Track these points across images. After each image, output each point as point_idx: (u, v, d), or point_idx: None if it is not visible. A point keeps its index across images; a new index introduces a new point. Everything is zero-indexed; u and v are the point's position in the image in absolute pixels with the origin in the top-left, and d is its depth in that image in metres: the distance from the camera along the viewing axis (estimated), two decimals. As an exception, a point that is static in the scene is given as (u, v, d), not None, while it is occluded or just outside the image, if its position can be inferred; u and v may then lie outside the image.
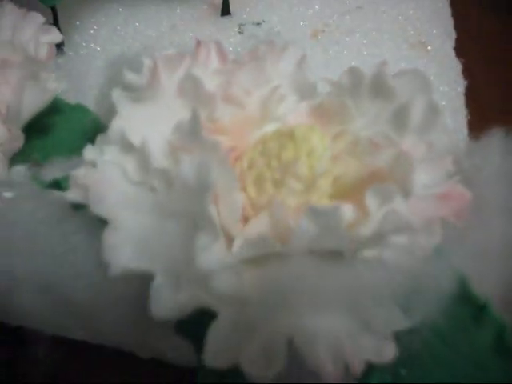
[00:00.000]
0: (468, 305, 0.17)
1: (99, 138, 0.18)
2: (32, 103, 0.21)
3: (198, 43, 0.20)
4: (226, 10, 0.35)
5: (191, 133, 0.16)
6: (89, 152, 0.17)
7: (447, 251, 0.18)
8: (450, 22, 0.34)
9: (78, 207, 0.17)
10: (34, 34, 0.25)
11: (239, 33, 0.33)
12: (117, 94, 0.18)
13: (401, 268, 0.17)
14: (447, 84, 0.29)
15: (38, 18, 0.25)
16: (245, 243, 0.15)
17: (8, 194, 0.17)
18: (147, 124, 0.18)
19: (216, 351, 0.14)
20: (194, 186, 0.15)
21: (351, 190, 0.18)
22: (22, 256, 0.18)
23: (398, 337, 0.15)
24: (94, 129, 0.23)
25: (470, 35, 0.34)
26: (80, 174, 0.17)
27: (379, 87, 0.19)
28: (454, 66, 0.30)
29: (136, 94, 0.18)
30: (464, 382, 0.17)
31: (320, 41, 0.32)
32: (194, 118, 0.16)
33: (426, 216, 0.17)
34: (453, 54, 0.31)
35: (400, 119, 0.18)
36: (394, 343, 0.15)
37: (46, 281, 0.17)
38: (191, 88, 0.18)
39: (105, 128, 0.18)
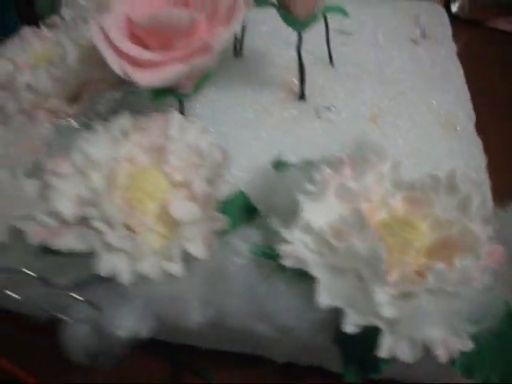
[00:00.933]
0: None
1: (294, 223, 0.30)
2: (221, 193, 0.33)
3: (343, 160, 0.31)
4: (302, 96, 0.47)
5: (358, 225, 0.28)
6: (286, 233, 0.29)
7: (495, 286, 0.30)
8: (470, 106, 0.46)
9: (283, 268, 0.29)
10: (200, 136, 0.36)
11: (318, 117, 0.45)
12: (302, 198, 0.30)
13: (470, 298, 0.29)
14: (473, 159, 0.41)
15: (198, 123, 0.37)
16: (400, 287, 0.27)
17: (240, 261, 0.29)
18: (320, 215, 0.30)
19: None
20: (367, 257, 0.27)
21: (438, 252, 0.30)
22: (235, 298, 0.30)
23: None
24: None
25: (487, 115, 0.46)
26: (288, 248, 0.29)
27: (450, 185, 0.31)
28: (477, 144, 0.43)
29: (313, 196, 0.30)
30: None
31: (378, 124, 0.44)
32: (360, 216, 0.28)
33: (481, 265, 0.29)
34: (475, 133, 0.44)
35: (464, 206, 0.31)
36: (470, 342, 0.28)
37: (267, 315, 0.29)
38: (345, 194, 0.30)
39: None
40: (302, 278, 0.29)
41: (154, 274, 0.30)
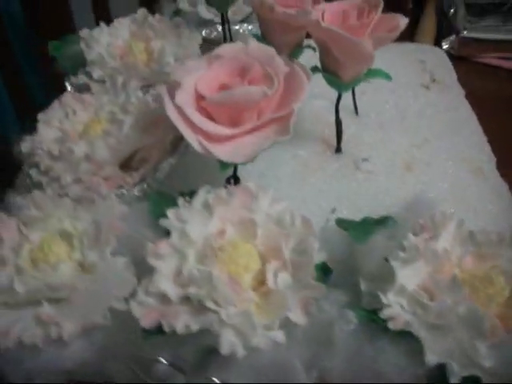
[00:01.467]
0: None
1: (389, 287, 0.32)
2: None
3: (424, 225, 0.34)
4: (339, 149, 0.50)
5: (452, 286, 0.31)
6: (384, 297, 0.32)
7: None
8: (489, 148, 0.51)
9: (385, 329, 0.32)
10: (275, 204, 0.38)
11: (357, 169, 0.48)
12: (395, 264, 0.32)
13: None
14: (502, 202, 0.46)
15: (270, 192, 0.39)
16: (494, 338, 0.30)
17: (347, 327, 0.32)
18: (411, 277, 0.33)
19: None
20: (465, 316, 0.30)
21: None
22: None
23: None
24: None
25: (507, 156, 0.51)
26: (391, 312, 0.31)
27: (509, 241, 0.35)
28: (502, 185, 0.47)
29: (404, 261, 0.33)
30: None
31: (414, 173, 0.48)
32: (455, 280, 0.31)
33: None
34: (498, 174, 0.48)
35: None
36: None
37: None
38: (432, 256, 0.33)
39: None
40: (403, 336, 0.32)
41: (261, 344, 0.32)
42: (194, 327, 0.31)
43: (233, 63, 0.40)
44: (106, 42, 0.56)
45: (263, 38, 0.49)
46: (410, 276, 0.33)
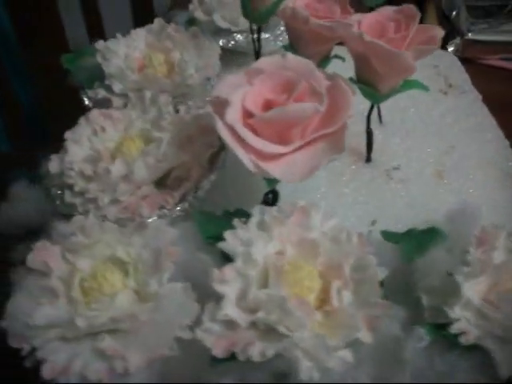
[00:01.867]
0: None
1: (454, 301, 0.33)
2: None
3: (481, 238, 0.35)
4: (369, 158, 0.50)
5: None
6: (451, 312, 0.32)
7: None
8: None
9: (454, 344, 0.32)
10: (328, 221, 0.38)
11: (390, 179, 0.48)
12: (460, 279, 0.33)
13: None
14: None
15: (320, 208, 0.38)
16: None
17: (420, 344, 0.32)
18: (475, 291, 0.33)
19: None
20: None
21: None
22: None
23: None
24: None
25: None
26: (461, 326, 0.32)
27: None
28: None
29: (468, 275, 0.33)
30: None
31: (445, 180, 0.48)
32: None
33: None
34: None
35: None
36: None
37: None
38: (492, 269, 0.33)
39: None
40: (472, 351, 0.32)
41: (336, 366, 0.31)
42: (270, 353, 0.30)
43: (276, 78, 0.39)
44: (124, 54, 0.54)
45: (292, 48, 0.49)
46: (474, 290, 0.33)
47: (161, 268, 0.34)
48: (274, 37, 0.60)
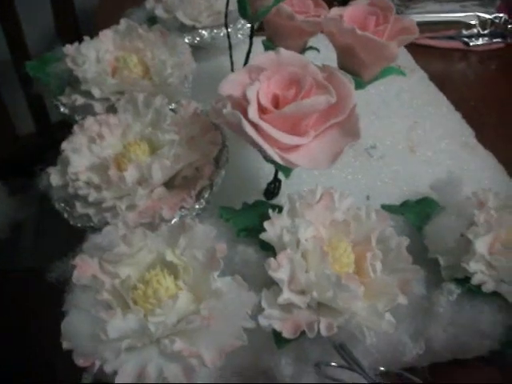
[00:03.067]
0: None
1: (468, 257, 0.38)
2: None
3: (482, 200, 0.40)
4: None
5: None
6: (468, 266, 0.37)
7: None
8: (464, 122, 0.59)
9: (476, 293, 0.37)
10: (344, 199, 0.41)
11: (371, 157, 0.53)
12: (472, 237, 0.38)
13: None
14: (495, 172, 0.54)
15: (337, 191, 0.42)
16: None
17: (452, 298, 0.36)
18: (484, 245, 0.38)
19: None
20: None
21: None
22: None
23: None
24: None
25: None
26: (481, 277, 0.37)
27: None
28: (488, 154, 0.55)
29: (478, 233, 0.38)
30: None
31: (417, 154, 0.54)
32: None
33: None
34: (481, 145, 0.56)
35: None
36: None
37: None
38: (495, 224, 0.39)
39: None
40: (490, 296, 0.38)
41: (386, 328, 0.35)
42: (335, 327, 0.33)
43: (281, 74, 0.41)
44: (94, 58, 0.53)
45: (270, 42, 0.51)
46: (483, 245, 0.39)
47: (214, 265, 0.35)
48: (235, 30, 0.61)
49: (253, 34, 0.46)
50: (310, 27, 0.47)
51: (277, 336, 0.34)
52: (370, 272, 0.37)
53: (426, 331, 0.38)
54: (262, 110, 0.39)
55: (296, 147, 0.40)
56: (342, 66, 0.48)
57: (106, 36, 0.54)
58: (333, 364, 0.34)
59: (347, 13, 0.46)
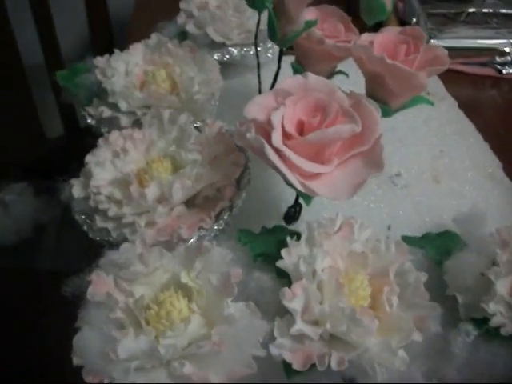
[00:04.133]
0: None
1: (488, 298, 0.37)
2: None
3: (505, 240, 0.39)
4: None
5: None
6: (487, 307, 0.36)
7: None
8: (491, 153, 0.58)
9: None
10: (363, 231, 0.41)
11: (395, 185, 0.52)
12: (493, 277, 0.37)
13: None
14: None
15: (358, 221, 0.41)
16: None
17: (469, 340, 0.36)
18: (504, 287, 0.37)
19: None
20: None
21: None
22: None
23: None
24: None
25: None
26: (499, 320, 0.36)
27: None
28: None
29: (501, 270, 0.37)
30: None
31: (441, 184, 0.53)
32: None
33: None
34: (506, 177, 0.55)
35: None
36: None
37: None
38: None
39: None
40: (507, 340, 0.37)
41: (398, 364, 0.35)
42: (346, 362, 0.33)
43: (307, 100, 0.41)
44: (124, 71, 0.54)
45: (298, 64, 0.51)
46: (504, 286, 0.38)
47: (228, 291, 0.35)
48: (265, 49, 0.61)
49: (281, 57, 0.46)
50: (340, 52, 0.47)
51: (287, 366, 0.34)
52: (386, 307, 0.36)
53: (440, 371, 0.37)
54: (286, 135, 0.39)
55: (318, 175, 0.39)
56: (370, 93, 0.47)
57: (136, 49, 0.55)
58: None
59: (377, 39, 0.46)
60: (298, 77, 0.44)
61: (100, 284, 0.35)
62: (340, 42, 0.48)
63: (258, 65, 0.54)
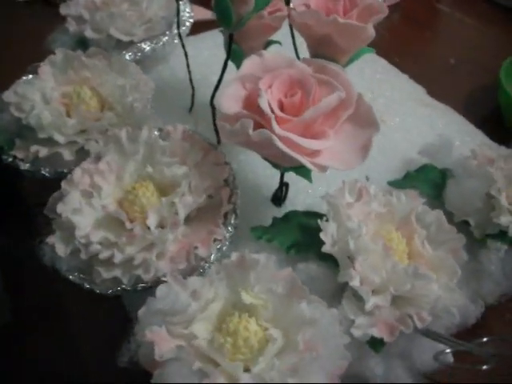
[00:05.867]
0: None
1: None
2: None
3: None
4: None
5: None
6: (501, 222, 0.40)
7: None
8: (412, 81, 0.61)
9: None
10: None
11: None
12: (496, 193, 0.40)
13: None
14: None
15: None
16: None
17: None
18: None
19: None
20: None
21: None
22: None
23: None
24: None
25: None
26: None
27: None
28: (446, 108, 0.59)
29: (501, 185, 0.41)
30: None
31: (386, 122, 0.56)
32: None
33: None
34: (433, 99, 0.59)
35: None
36: None
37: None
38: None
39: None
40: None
41: (457, 298, 0.37)
42: (429, 317, 0.34)
43: (281, 79, 0.39)
44: (41, 99, 0.46)
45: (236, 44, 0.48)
46: (506, 198, 0.41)
47: (299, 294, 0.33)
48: (172, 37, 0.57)
49: (231, 43, 0.44)
50: (278, 23, 0.46)
51: (373, 343, 0.34)
52: (424, 252, 0.38)
53: (481, 291, 0.40)
54: (277, 120, 0.38)
55: (319, 152, 0.39)
56: (316, 55, 0.47)
57: (45, 72, 0.48)
58: (447, 351, 0.35)
59: (312, 1, 0.45)
60: (253, 57, 0.42)
61: (161, 340, 0.31)
62: (273, 12, 0.46)
63: (186, 54, 0.51)
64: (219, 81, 0.46)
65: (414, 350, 0.36)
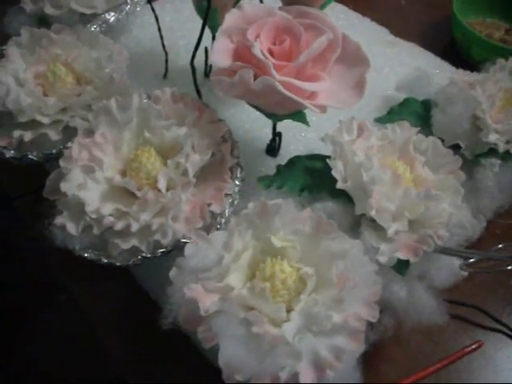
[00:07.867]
0: None
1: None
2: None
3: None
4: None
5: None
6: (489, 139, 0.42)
7: None
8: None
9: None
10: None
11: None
12: (481, 114, 0.42)
13: None
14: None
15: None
16: None
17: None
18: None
19: None
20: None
21: None
22: None
23: None
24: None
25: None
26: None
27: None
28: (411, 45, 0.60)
29: (486, 106, 0.43)
30: None
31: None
32: None
33: None
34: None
35: None
36: None
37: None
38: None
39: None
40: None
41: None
42: (446, 235, 0.36)
43: (267, 28, 0.39)
44: (15, 82, 0.44)
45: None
46: (491, 118, 0.43)
47: (327, 229, 0.34)
48: (134, 4, 0.56)
49: (210, 5, 0.43)
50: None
51: (399, 266, 0.36)
52: (427, 176, 0.40)
53: (481, 206, 0.42)
54: (275, 68, 0.38)
55: (315, 94, 0.39)
56: (291, 2, 0.47)
57: (14, 54, 0.45)
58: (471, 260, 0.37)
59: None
60: (234, 11, 0.42)
61: (202, 295, 0.32)
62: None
63: (157, 18, 0.50)
64: (199, 40, 0.45)
65: (433, 270, 0.38)
